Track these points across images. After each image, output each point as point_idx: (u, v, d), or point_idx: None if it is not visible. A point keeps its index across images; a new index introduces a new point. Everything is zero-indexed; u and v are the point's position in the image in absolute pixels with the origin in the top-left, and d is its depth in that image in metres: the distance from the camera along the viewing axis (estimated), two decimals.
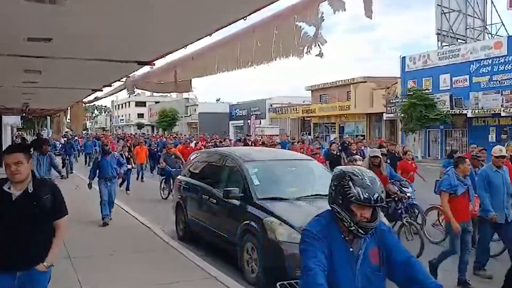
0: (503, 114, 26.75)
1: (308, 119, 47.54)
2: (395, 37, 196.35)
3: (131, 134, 49.31)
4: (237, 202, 7.20)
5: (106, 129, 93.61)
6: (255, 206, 6.85)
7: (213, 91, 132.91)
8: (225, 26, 3.77)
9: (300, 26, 3.04)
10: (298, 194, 7.13)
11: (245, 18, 3.45)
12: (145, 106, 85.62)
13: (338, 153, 14.15)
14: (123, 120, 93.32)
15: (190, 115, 67.56)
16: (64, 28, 4.22)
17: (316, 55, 3.11)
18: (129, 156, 16.04)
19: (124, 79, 7.46)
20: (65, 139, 34.73)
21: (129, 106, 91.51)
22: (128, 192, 15.17)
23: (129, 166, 14.58)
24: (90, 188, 10.63)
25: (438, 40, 32.85)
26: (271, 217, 6.46)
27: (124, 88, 7.88)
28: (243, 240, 6.77)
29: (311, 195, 7.16)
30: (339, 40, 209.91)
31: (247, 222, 6.73)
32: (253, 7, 3.29)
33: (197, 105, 65.93)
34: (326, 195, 7.54)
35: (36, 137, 20.85)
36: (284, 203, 6.86)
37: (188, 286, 6.24)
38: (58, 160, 18.96)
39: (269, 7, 3.29)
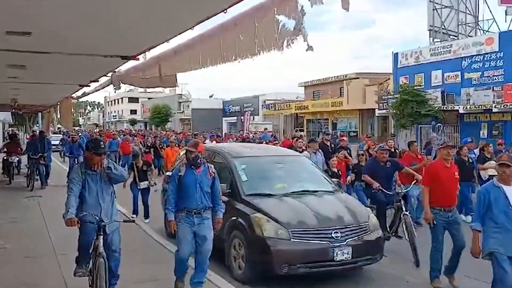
0: (494, 110, 26.81)
1: (301, 115, 47.52)
2: (392, 34, 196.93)
3: (139, 130, 46.26)
4: (224, 198, 7.14)
5: (99, 125, 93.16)
6: (242, 202, 6.82)
7: (207, 88, 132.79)
8: (206, 19, 3.71)
9: (279, 20, 2.99)
10: (285, 190, 7.12)
11: (225, 11, 3.39)
12: (138, 102, 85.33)
13: (471, 160, 10.91)
14: (115, 116, 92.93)
15: (183, 111, 67.38)
16: (43, 22, 4.14)
17: (306, 50, 3.06)
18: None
19: (110, 74, 7.38)
20: (65, 136, 31.56)
21: (122, 102, 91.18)
22: (146, 221, 10.04)
23: (146, 184, 10.15)
24: (175, 233, 5.84)
25: (430, 36, 32.88)
26: (258, 213, 6.44)
27: (111, 83, 7.81)
28: (231, 236, 6.73)
29: (299, 191, 7.14)
30: (335, 37, 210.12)
31: (234, 218, 6.70)
32: None
33: (190, 101, 65.77)
34: (313, 191, 7.56)
35: (39, 134, 16.30)
36: (271, 199, 6.84)
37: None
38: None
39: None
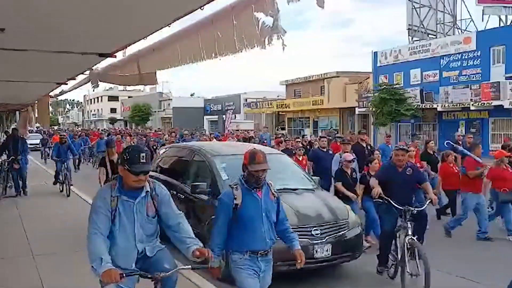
0: (472, 108, 27.34)
1: (283, 113, 47.67)
2: (373, 33, 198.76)
3: (125, 129, 45.38)
4: (205, 197, 7.13)
5: (78, 124, 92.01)
6: None
7: (188, 86, 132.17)
8: (183, 16, 3.67)
9: (258, 17, 2.98)
10: None
11: (202, 8, 3.37)
12: (118, 100, 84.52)
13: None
14: (95, 115, 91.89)
15: (164, 109, 66.99)
16: (17, 17, 4.04)
17: (283, 49, 3.05)
18: None
19: (88, 72, 7.26)
20: (45, 135, 30.28)
21: (101, 100, 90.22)
22: None
23: None
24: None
25: (409, 35, 33.38)
26: None
27: (89, 81, 7.68)
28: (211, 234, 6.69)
29: (279, 189, 7.11)
30: (317, 36, 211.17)
31: (215, 217, 6.65)
32: None
33: (171, 99, 65.44)
34: (294, 189, 7.54)
35: (11, 132, 14.61)
36: None
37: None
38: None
39: None
